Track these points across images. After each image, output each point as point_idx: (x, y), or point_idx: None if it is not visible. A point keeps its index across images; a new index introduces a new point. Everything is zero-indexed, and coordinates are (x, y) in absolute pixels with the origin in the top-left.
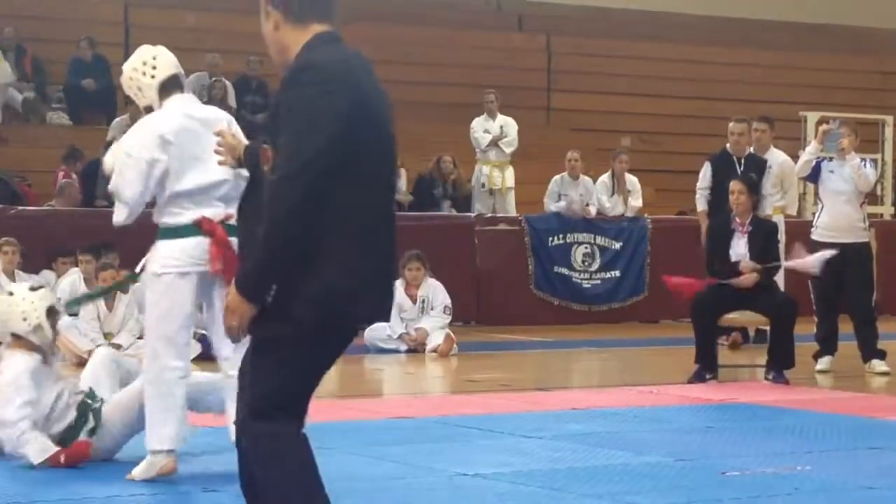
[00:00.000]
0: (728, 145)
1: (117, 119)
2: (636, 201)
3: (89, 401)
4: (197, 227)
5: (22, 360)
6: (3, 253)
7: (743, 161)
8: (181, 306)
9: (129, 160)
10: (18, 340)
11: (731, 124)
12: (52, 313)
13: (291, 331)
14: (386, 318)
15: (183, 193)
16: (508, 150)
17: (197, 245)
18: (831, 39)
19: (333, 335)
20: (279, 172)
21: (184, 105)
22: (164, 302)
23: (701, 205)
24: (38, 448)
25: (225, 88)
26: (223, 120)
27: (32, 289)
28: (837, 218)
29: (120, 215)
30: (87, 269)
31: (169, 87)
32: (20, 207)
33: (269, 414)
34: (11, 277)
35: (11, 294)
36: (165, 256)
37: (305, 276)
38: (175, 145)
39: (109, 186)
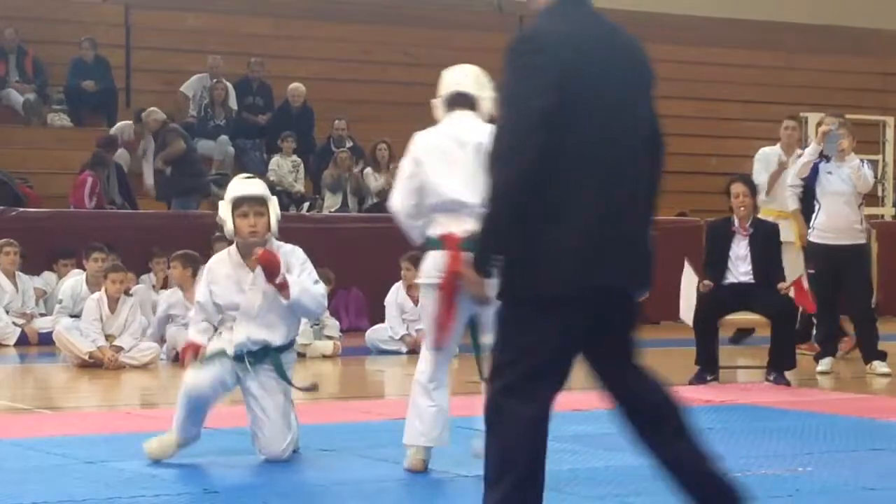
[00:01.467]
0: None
1: (120, 123)
2: None
3: None
4: (440, 241)
5: None
6: (5, 254)
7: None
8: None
9: (398, 173)
10: None
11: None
12: None
13: (525, 302)
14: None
15: (436, 207)
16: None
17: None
18: (831, 40)
19: (566, 307)
20: (494, 148)
21: (451, 122)
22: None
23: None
24: None
25: (226, 90)
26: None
27: None
28: (835, 219)
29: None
30: (94, 268)
31: (452, 103)
32: (21, 209)
33: (500, 388)
34: (12, 279)
35: None
36: (427, 267)
37: (534, 245)
38: (425, 163)
39: None
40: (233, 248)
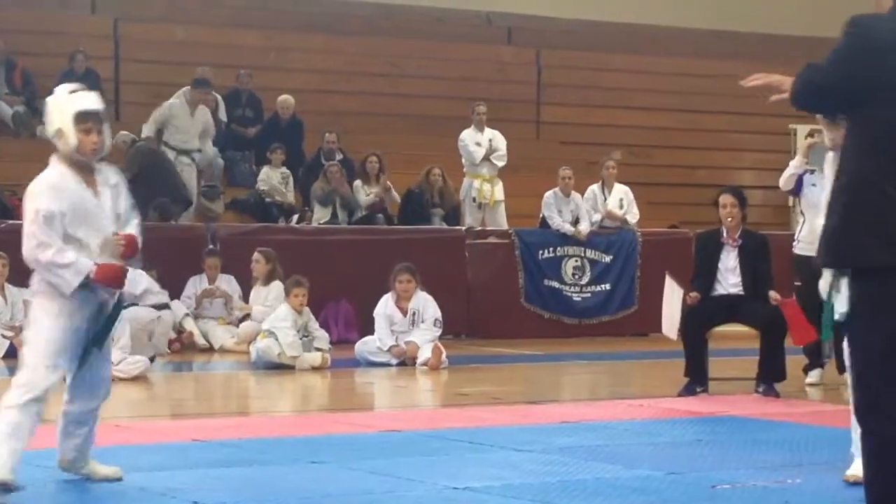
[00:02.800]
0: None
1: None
2: (633, 215)
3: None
4: None
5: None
6: None
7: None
8: None
9: None
10: (56, 147)
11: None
12: (80, 118)
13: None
14: None
15: None
16: (500, 164)
17: None
18: (822, 52)
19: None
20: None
21: None
22: None
23: None
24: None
25: (216, 102)
26: None
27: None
28: (819, 231)
29: None
30: None
31: None
32: (9, 221)
33: (861, 409)
34: (1, 291)
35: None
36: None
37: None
38: None
39: None
40: (65, 168)
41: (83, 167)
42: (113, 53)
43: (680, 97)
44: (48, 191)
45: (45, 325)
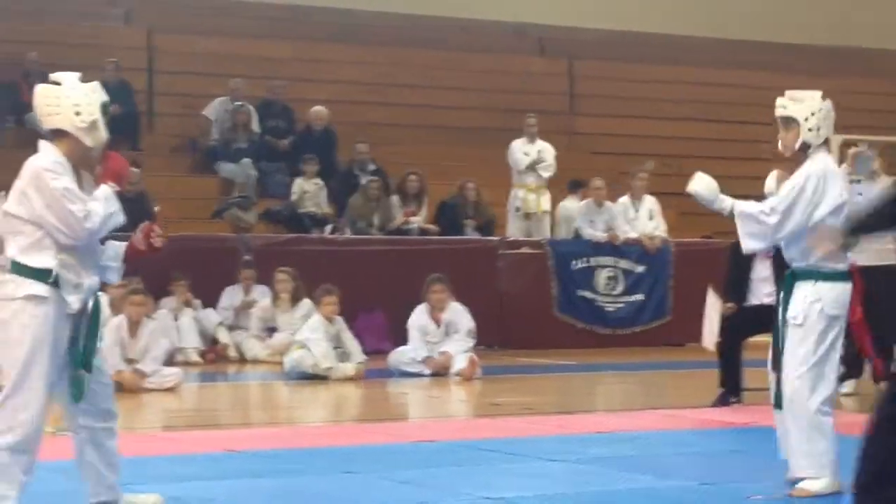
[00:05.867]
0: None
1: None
2: (658, 226)
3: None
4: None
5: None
6: None
7: None
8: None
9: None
10: (61, 139)
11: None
12: (105, 110)
13: None
14: None
15: None
16: (546, 175)
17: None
18: (854, 62)
19: None
20: None
21: None
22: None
23: None
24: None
25: (249, 113)
26: None
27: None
28: (865, 240)
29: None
30: (116, 292)
31: None
32: None
33: None
34: None
35: (58, 84)
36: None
37: None
38: None
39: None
40: (63, 159)
41: (84, 167)
42: (147, 65)
43: (713, 107)
44: (65, 171)
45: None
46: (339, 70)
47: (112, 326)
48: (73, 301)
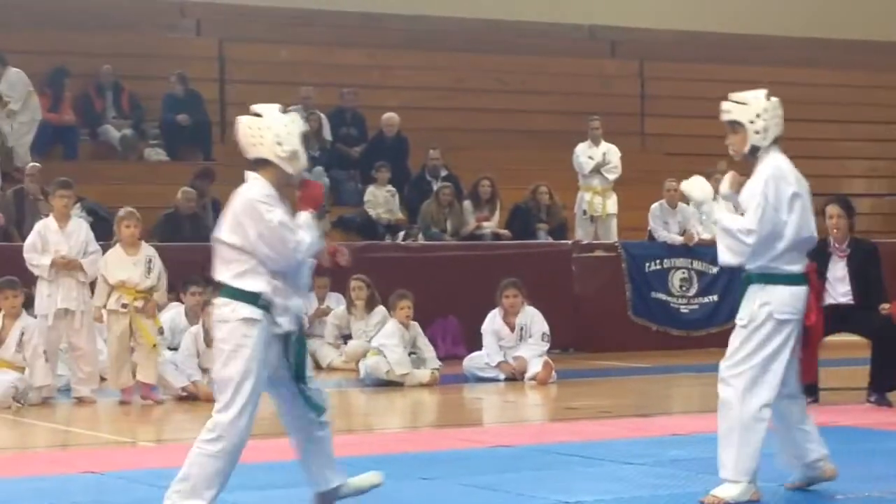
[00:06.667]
0: None
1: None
2: None
3: None
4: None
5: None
6: None
7: None
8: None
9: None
10: (264, 168)
11: None
12: (304, 139)
13: None
14: None
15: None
16: (611, 177)
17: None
18: None
19: None
20: None
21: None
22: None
23: None
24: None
25: (320, 121)
26: None
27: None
28: None
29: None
30: (192, 301)
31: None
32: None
33: None
34: None
35: (259, 115)
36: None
37: None
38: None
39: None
40: (273, 190)
41: (284, 193)
42: (218, 75)
43: (785, 106)
44: (276, 203)
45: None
46: (410, 76)
47: (189, 336)
48: (284, 322)
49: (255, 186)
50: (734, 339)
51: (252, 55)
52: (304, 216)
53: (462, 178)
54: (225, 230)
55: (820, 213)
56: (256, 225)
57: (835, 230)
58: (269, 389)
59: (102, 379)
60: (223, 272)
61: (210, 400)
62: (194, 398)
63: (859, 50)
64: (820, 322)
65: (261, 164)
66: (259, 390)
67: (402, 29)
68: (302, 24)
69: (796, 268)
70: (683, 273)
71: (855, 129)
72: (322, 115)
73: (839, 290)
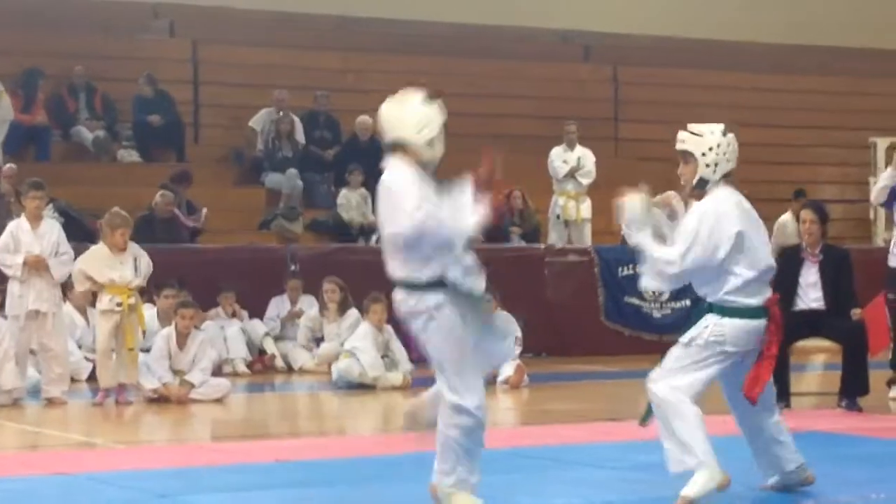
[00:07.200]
0: None
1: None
2: None
3: None
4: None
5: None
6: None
7: None
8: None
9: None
10: (403, 151)
11: None
12: (444, 129)
13: None
14: None
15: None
16: (585, 182)
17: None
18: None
19: None
20: None
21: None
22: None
23: None
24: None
25: (292, 123)
26: None
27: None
28: None
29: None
30: (165, 304)
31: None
32: (92, 245)
33: None
34: (84, 314)
35: (403, 102)
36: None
37: None
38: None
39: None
40: (411, 169)
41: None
42: (192, 77)
43: (757, 112)
44: (414, 181)
45: None
46: (385, 80)
47: (161, 338)
48: (473, 284)
49: (394, 170)
50: (670, 355)
51: (226, 57)
52: (468, 194)
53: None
54: (386, 223)
55: (793, 218)
56: (398, 210)
57: (808, 235)
58: None
59: (73, 380)
60: (394, 266)
61: (182, 402)
62: (165, 400)
63: (832, 56)
64: (774, 353)
65: (398, 147)
66: (475, 361)
67: (377, 33)
68: (276, 26)
69: (755, 301)
70: None
71: (827, 134)
72: (295, 118)
73: (811, 295)
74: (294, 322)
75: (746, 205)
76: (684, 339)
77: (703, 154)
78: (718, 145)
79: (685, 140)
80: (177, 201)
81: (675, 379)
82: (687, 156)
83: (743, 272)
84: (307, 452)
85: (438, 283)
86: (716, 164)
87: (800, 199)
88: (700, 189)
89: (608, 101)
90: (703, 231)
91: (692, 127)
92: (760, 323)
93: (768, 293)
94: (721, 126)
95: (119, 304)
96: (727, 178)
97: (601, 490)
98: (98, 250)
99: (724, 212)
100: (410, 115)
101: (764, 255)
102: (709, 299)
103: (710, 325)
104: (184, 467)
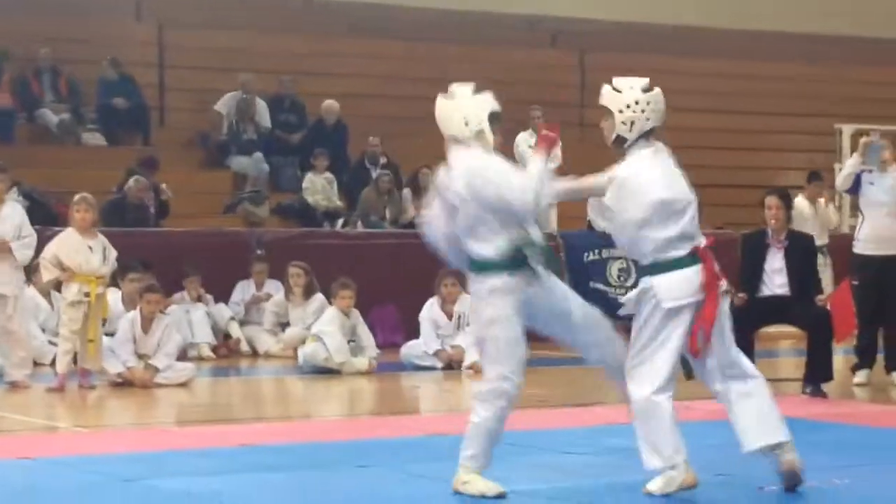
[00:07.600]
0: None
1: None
2: None
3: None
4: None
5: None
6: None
7: None
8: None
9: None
10: (457, 145)
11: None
12: (494, 118)
13: None
14: None
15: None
16: (551, 167)
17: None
18: (865, 51)
19: None
20: None
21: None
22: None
23: None
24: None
25: (255, 106)
26: None
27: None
28: (879, 230)
29: None
30: (130, 288)
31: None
32: (57, 228)
33: None
34: (47, 297)
35: (453, 96)
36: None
37: None
38: None
39: None
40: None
41: None
42: (157, 60)
43: (723, 98)
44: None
45: None
46: (351, 64)
47: (125, 321)
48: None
49: (466, 154)
50: (631, 343)
51: (191, 41)
52: (539, 159)
53: (402, 166)
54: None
55: (759, 205)
56: (488, 186)
57: (773, 221)
58: None
59: (36, 364)
60: (471, 246)
61: (146, 386)
62: (130, 384)
63: (798, 42)
64: (714, 300)
65: (453, 141)
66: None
67: (344, 16)
68: (242, 9)
69: (680, 252)
70: (622, 263)
71: (793, 121)
72: (260, 101)
73: (776, 281)
74: (259, 306)
75: (666, 160)
76: (635, 320)
77: (620, 111)
78: (637, 102)
79: (604, 95)
80: (150, 187)
81: (651, 372)
82: (606, 112)
83: (665, 233)
84: (272, 437)
85: (505, 263)
86: (632, 122)
87: (814, 183)
88: (619, 146)
89: (575, 87)
90: (612, 199)
91: (615, 81)
92: (687, 272)
93: (697, 241)
94: (643, 81)
95: (87, 295)
96: (650, 134)
97: (568, 475)
98: (68, 236)
99: (640, 177)
100: (456, 112)
101: (684, 205)
102: (640, 264)
103: (646, 290)
104: (148, 451)
